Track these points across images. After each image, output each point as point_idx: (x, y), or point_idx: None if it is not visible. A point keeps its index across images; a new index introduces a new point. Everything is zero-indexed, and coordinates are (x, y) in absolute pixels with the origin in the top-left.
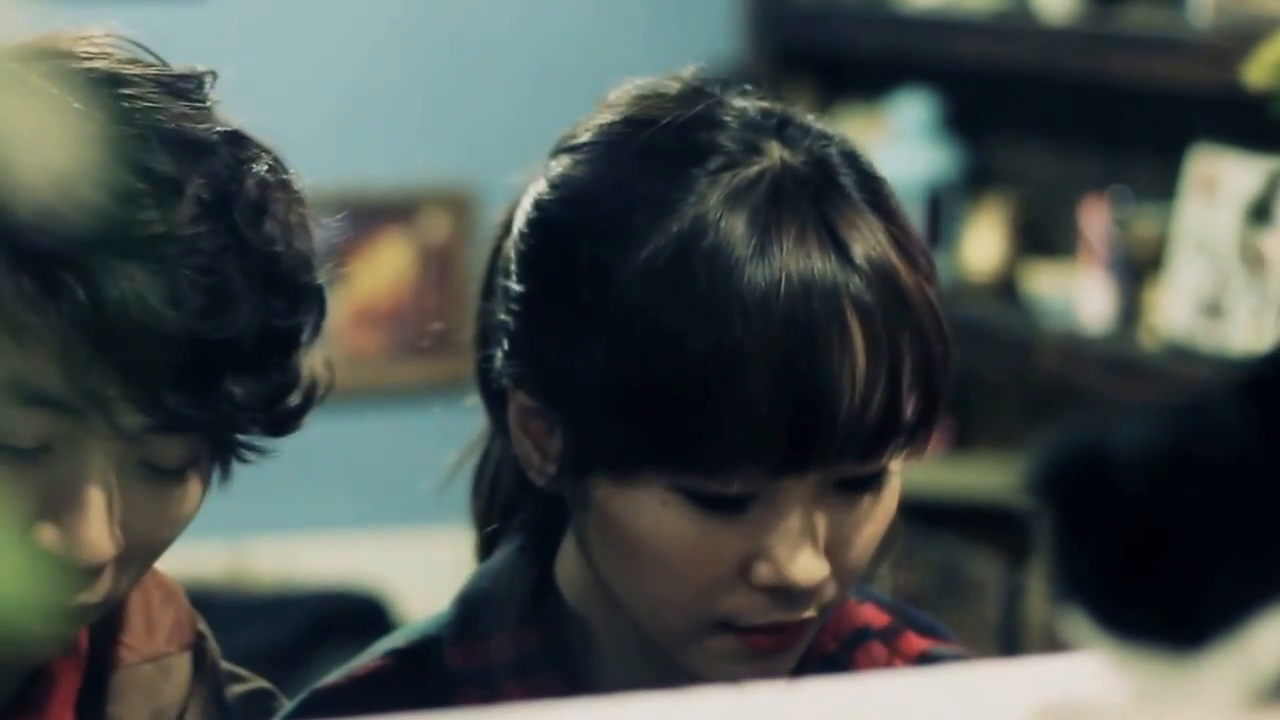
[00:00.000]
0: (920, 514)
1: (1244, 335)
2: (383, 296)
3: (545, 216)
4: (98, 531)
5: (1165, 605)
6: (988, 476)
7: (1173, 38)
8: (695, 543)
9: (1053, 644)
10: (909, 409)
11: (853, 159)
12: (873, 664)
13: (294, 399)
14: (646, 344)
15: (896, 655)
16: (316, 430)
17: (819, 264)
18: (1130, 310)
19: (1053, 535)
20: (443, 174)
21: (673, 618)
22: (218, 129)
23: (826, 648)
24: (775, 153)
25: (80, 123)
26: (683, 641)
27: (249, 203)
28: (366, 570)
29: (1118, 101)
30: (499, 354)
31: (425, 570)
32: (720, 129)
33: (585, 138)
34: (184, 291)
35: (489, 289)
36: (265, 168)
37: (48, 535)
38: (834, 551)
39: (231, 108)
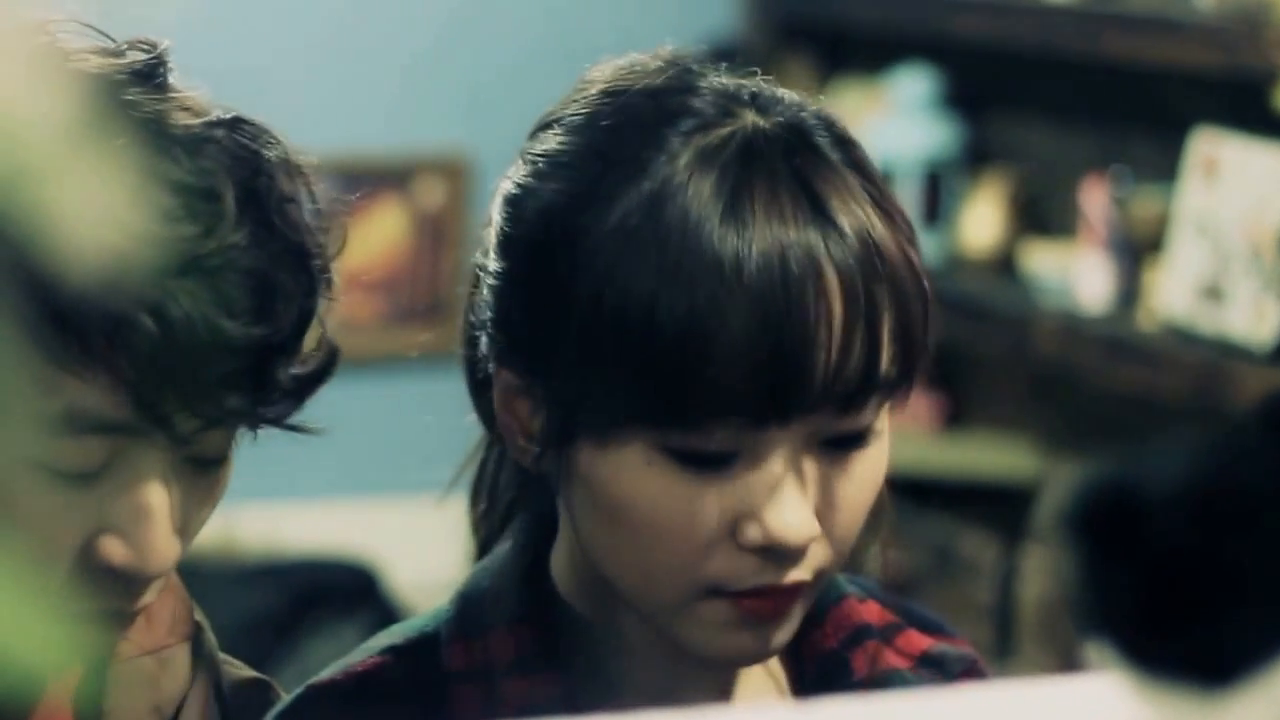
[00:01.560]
0: (914, 493)
1: (1243, 319)
2: (377, 263)
3: (520, 191)
4: (164, 540)
5: (1195, 642)
6: (983, 455)
7: (1175, 19)
8: (681, 504)
9: (1046, 625)
10: (887, 362)
11: (828, 123)
12: (873, 663)
13: (324, 366)
14: (622, 303)
15: (897, 654)
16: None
17: (791, 217)
18: (1129, 291)
19: (1083, 570)
20: (439, 141)
21: (663, 586)
22: (218, 118)
23: (827, 646)
24: (749, 117)
25: (109, 145)
26: (674, 611)
27: (275, 195)
28: (356, 539)
29: (1119, 81)
30: (482, 339)
31: (415, 539)
32: (695, 94)
33: (560, 114)
34: (236, 299)
35: (475, 283)
36: (273, 151)
37: (115, 549)
38: (823, 513)
39: (216, 77)
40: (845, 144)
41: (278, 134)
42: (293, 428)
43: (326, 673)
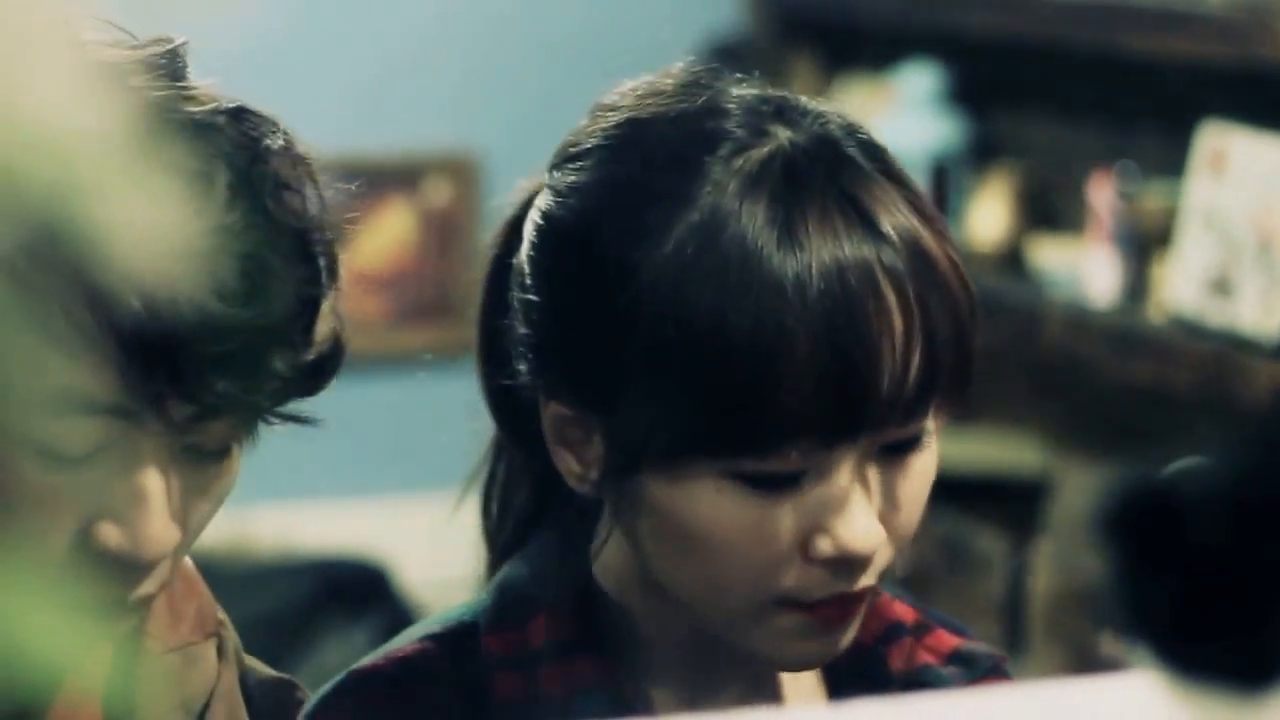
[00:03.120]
0: None
1: (1252, 312)
2: (385, 262)
3: (558, 225)
4: (160, 526)
5: (1233, 645)
6: (992, 450)
7: (1182, 12)
8: (753, 525)
9: (1057, 619)
10: (945, 367)
11: (853, 131)
12: (906, 658)
13: (328, 358)
14: (684, 338)
15: (928, 651)
16: (318, 396)
17: (846, 237)
18: (1137, 285)
19: (1121, 572)
20: (446, 141)
21: (735, 602)
22: (221, 107)
23: (863, 641)
24: (781, 134)
25: (105, 127)
26: (745, 624)
27: (271, 181)
28: (367, 538)
29: (1126, 75)
30: (523, 369)
31: (426, 538)
32: (724, 116)
33: (588, 143)
34: (227, 283)
35: (489, 312)
36: (274, 140)
37: (110, 534)
38: (886, 516)
39: (223, 76)
40: (874, 151)
41: (282, 124)
42: (291, 418)
43: (368, 659)
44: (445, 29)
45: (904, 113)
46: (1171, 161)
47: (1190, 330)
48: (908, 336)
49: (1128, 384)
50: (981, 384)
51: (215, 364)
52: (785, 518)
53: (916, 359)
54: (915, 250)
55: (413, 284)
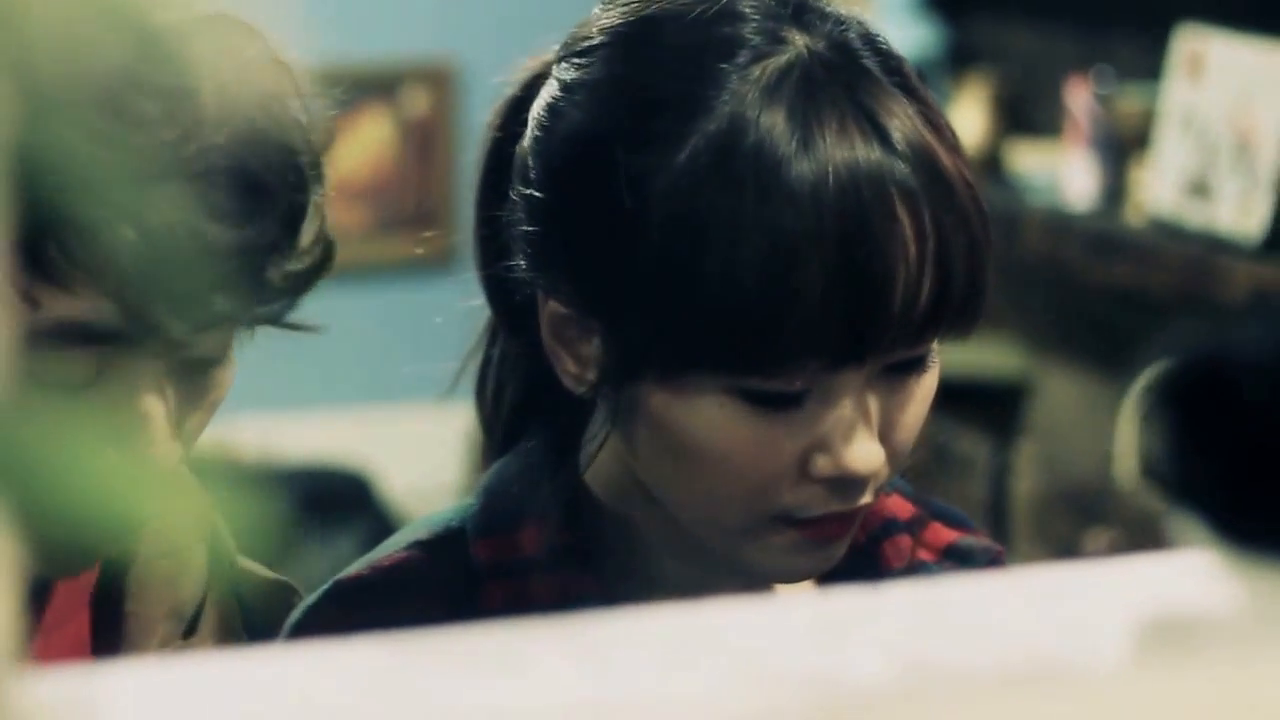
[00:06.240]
0: None
1: (1230, 215)
2: (364, 172)
3: (566, 123)
4: (162, 445)
5: None
6: (974, 354)
7: None
8: (754, 441)
9: (1041, 520)
10: (957, 290)
11: (871, 41)
12: (901, 555)
13: (319, 261)
14: (696, 249)
15: (924, 546)
16: (298, 307)
17: (863, 154)
18: (1115, 188)
19: (1173, 442)
20: (424, 49)
21: (731, 516)
22: (202, 15)
23: (856, 539)
24: (799, 40)
25: (84, 47)
26: (740, 538)
27: (258, 92)
28: (350, 447)
29: None
30: (521, 263)
31: (408, 446)
32: (740, 20)
33: (598, 39)
34: (220, 202)
35: (488, 196)
36: (258, 48)
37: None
38: (885, 435)
39: None
40: (891, 63)
41: (264, 31)
42: (291, 326)
43: (353, 568)
44: None
45: (880, 19)
46: (1148, 65)
47: (1169, 232)
48: (921, 258)
49: (1107, 286)
50: None
51: (213, 284)
52: (786, 435)
53: (928, 281)
54: (930, 168)
55: (392, 194)
